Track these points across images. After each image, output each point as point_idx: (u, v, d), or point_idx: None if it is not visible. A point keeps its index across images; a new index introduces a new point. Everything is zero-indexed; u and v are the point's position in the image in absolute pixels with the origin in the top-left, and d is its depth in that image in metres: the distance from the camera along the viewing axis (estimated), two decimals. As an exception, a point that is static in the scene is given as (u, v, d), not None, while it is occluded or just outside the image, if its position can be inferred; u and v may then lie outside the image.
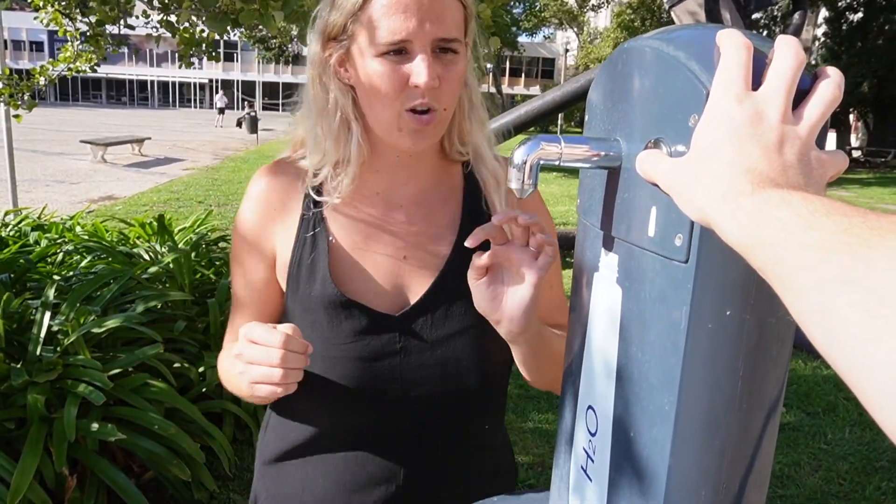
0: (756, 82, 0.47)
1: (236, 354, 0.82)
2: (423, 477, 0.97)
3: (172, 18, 2.72)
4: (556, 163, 0.57)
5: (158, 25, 3.71)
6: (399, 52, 0.81)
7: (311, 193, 0.94)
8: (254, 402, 0.89)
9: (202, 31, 3.37)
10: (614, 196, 0.58)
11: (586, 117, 0.67)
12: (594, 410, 0.62)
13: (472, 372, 0.94)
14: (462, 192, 0.97)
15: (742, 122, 0.45)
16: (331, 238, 0.93)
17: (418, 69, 0.81)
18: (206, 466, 2.50)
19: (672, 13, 6.29)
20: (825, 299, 0.36)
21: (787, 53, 0.46)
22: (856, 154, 23.13)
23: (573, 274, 0.70)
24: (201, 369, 2.84)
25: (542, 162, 0.57)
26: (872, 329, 0.32)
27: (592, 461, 0.62)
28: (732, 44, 0.47)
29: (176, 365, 2.76)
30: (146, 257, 3.71)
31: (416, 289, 0.93)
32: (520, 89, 50.70)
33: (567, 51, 39.65)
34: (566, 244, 7.51)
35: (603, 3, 33.92)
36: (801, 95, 0.47)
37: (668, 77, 0.50)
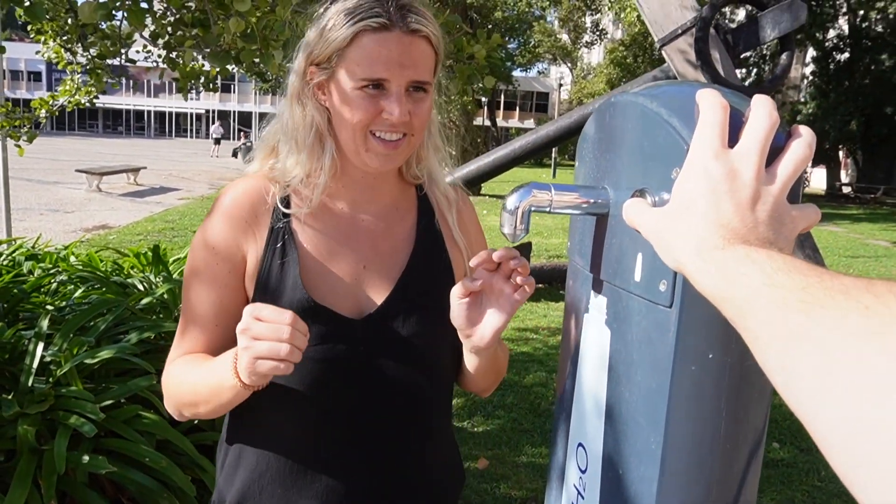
0: (733, 139, 0.50)
1: (241, 330, 0.82)
2: (380, 469, 1.03)
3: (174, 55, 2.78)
4: (547, 209, 0.60)
5: (159, 60, 3.77)
6: (377, 86, 0.91)
7: (280, 206, 1.00)
8: (242, 386, 0.85)
9: (202, 65, 3.43)
10: (602, 241, 0.61)
11: (576, 164, 0.70)
12: (584, 448, 0.64)
13: (428, 371, 1.03)
14: (416, 211, 1.07)
15: (718, 178, 0.48)
16: (300, 247, 1.00)
17: (392, 105, 0.91)
18: (196, 500, 2.48)
19: (663, 52, 6.42)
20: (782, 354, 0.39)
21: (761, 114, 0.49)
22: (846, 190, 23.41)
23: (564, 312, 0.72)
24: (193, 401, 2.83)
25: (533, 208, 0.59)
26: (822, 384, 0.35)
27: (583, 498, 0.64)
28: (710, 104, 0.50)
29: (168, 397, 2.75)
30: (140, 287, 3.71)
31: (377, 296, 1.01)
32: (514, 122, 51.25)
33: (561, 85, 40.22)
34: (559, 277, 7.54)
35: (596, 40, 34.52)
36: (775, 152, 0.50)
37: (651, 131, 0.53)
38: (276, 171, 1.02)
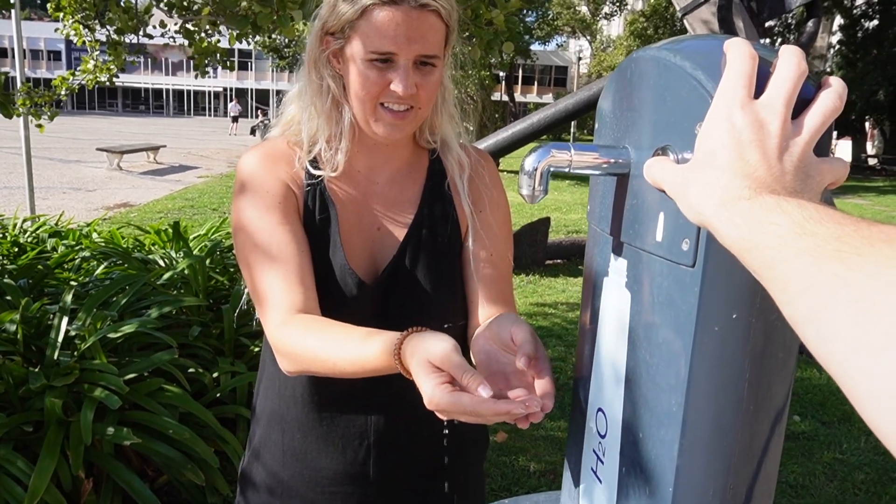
0: (760, 90, 0.48)
1: (429, 399, 0.68)
2: (392, 437, 1.07)
3: (190, 26, 2.77)
4: (566, 169, 0.58)
5: (176, 37, 3.77)
6: (385, 60, 0.93)
7: (308, 167, 1.02)
8: (405, 373, 0.77)
9: (217, 40, 3.42)
10: (623, 202, 0.60)
11: (596, 125, 0.68)
12: (604, 413, 0.63)
13: (437, 328, 1.00)
14: (426, 174, 1.09)
15: (743, 128, 0.46)
16: (338, 206, 1.02)
17: (399, 79, 0.92)
18: (219, 471, 2.52)
19: (685, 21, 6.29)
20: (815, 303, 0.37)
21: (789, 64, 0.48)
22: (872, 162, 22.94)
23: (583, 279, 0.71)
24: (215, 374, 2.86)
25: (552, 168, 0.58)
26: (859, 334, 0.33)
27: (602, 463, 0.63)
28: (738, 53, 0.48)
29: (190, 370, 2.78)
30: (161, 263, 3.75)
31: (387, 254, 1.04)
32: (532, 97, 50.73)
33: (580, 59, 39.68)
34: (578, 252, 7.50)
35: (616, 11, 33.92)
36: (803, 104, 0.48)
37: (674, 86, 0.52)
38: (298, 137, 1.04)
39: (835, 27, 23.98)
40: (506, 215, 1.11)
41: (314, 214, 1.01)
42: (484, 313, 1.03)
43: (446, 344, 0.69)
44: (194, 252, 3.90)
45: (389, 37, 0.91)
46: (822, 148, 0.48)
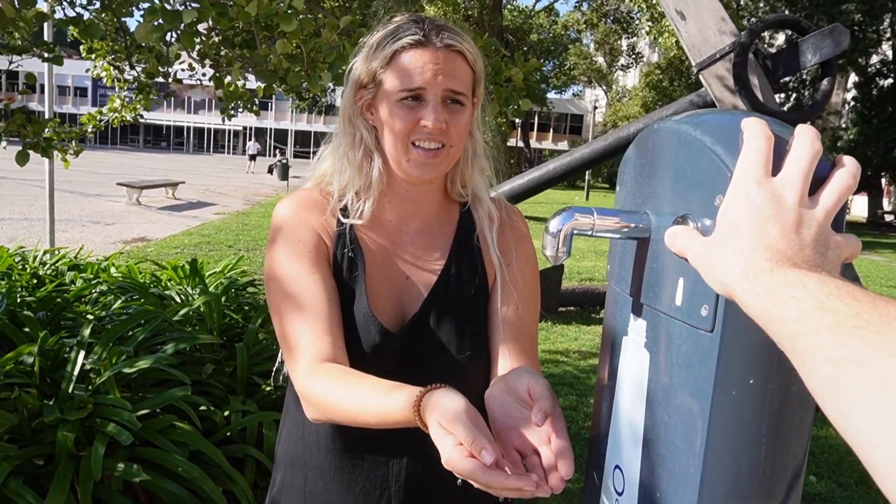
0: (776, 168, 0.51)
1: (446, 460, 0.69)
2: (413, 489, 1.06)
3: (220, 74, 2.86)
4: (589, 233, 0.61)
5: (203, 78, 3.87)
6: (415, 98, 0.97)
7: (339, 215, 1.06)
8: (423, 427, 0.76)
9: (243, 85, 3.51)
10: (643, 265, 0.62)
11: (617, 188, 0.71)
12: (621, 470, 0.64)
13: (458, 382, 1.01)
14: (456, 226, 1.11)
15: (761, 203, 0.48)
16: (366, 254, 1.05)
17: (428, 113, 0.96)
18: (226, 511, 2.51)
19: (701, 76, 6.38)
20: (835, 377, 0.39)
21: (805, 143, 0.50)
22: (888, 218, 22.84)
23: (602, 337, 0.73)
24: (227, 413, 2.87)
25: (575, 232, 0.61)
26: (876, 409, 0.35)
27: (618, 520, 0.64)
28: (756, 133, 0.51)
29: (202, 408, 2.79)
30: (177, 299, 3.79)
31: (414, 304, 1.06)
32: (548, 144, 51.24)
33: (595, 108, 40.18)
34: (591, 300, 7.48)
35: (631, 63, 34.46)
36: (818, 181, 0.50)
37: (695, 158, 0.54)
38: (330, 186, 1.08)
39: (850, 84, 24.18)
40: (534, 270, 1.13)
41: (343, 263, 1.04)
42: (506, 367, 1.03)
43: (458, 405, 0.69)
44: (210, 289, 3.94)
45: (417, 74, 0.96)
46: (837, 224, 0.50)
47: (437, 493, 1.08)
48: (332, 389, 0.90)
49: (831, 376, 0.39)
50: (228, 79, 2.77)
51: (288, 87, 2.12)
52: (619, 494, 0.64)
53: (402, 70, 0.97)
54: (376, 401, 0.84)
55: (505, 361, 1.04)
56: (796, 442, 0.54)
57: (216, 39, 2.50)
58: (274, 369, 1.12)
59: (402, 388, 0.81)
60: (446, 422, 0.68)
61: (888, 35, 21.45)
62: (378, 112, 1.01)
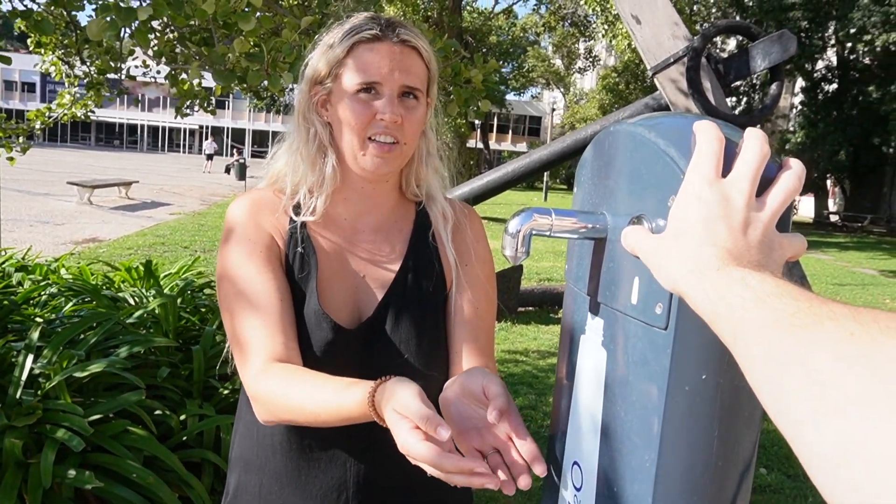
0: (726, 170, 0.52)
1: (402, 444, 0.69)
2: (371, 491, 1.06)
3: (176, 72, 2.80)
4: (548, 234, 0.62)
5: (157, 76, 3.79)
6: (370, 90, 0.98)
7: (291, 213, 1.05)
8: (380, 421, 0.77)
9: (199, 83, 3.45)
10: (600, 265, 0.63)
11: (574, 189, 0.72)
12: (580, 466, 0.66)
13: (417, 379, 1.01)
14: (412, 226, 1.12)
15: (711, 203, 0.50)
16: (318, 252, 1.05)
17: (384, 107, 0.97)
18: (182, 517, 2.46)
19: (655, 80, 6.51)
20: (772, 374, 0.41)
21: (753, 146, 0.52)
22: (833, 218, 23.66)
23: (560, 335, 0.74)
24: (182, 417, 2.81)
25: (534, 232, 0.62)
26: (808, 406, 0.37)
27: (577, 515, 0.65)
28: (707, 136, 0.52)
29: (157, 412, 2.73)
30: (131, 301, 3.70)
31: (370, 303, 1.06)
32: (507, 145, 51.57)
33: (553, 110, 40.61)
34: (549, 300, 7.56)
35: (589, 66, 34.92)
36: (766, 183, 0.52)
37: (649, 160, 0.56)
38: (283, 184, 1.08)
39: (797, 89, 24.95)
40: (490, 270, 1.13)
41: (294, 262, 1.03)
42: (464, 367, 1.04)
43: (410, 391, 0.70)
44: (165, 291, 3.86)
45: (374, 68, 0.97)
46: (783, 224, 0.52)
47: (396, 493, 1.08)
48: (285, 389, 0.89)
49: (769, 373, 0.41)
50: (185, 76, 2.72)
51: (247, 86, 2.09)
52: (578, 490, 0.65)
53: (359, 64, 0.98)
54: (331, 398, 0.84)
55: (463, 361, 1.05)
56: (746, 435, 0.56)
57: (171, 36, 2.45)
58: (230, 370, 1.10)
59: (355, 384, 0.82)
60: (400, 406, 0.69)
61: (833, 42, 22.21)
62: (334, 107, 1.02)
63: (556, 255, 11.39)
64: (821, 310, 0.40)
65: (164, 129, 54.21)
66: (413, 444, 0.66)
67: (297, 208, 1.06)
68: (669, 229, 0.51)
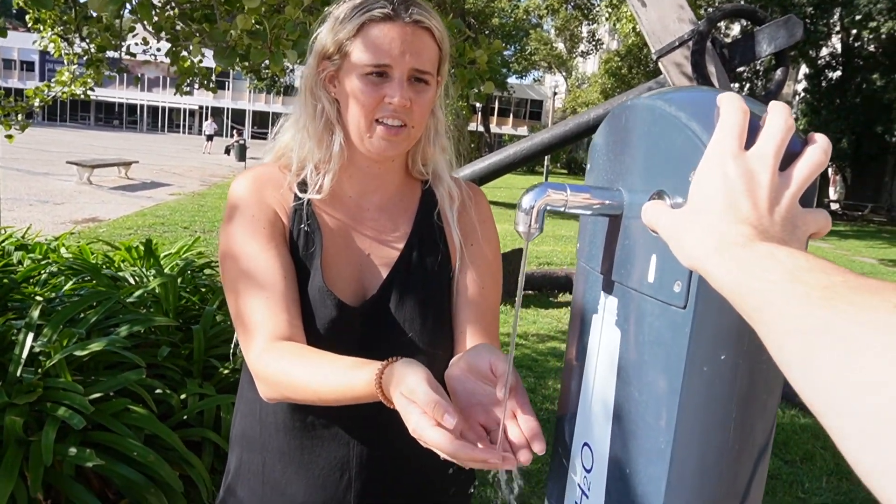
0: (750, 143, 0.51)
1: (413, 429, 0.68)
2: (374, 469, 1.05)
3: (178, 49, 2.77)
4: (562, 209, 0.60)
5: (157, 53, 3.75)
6: (380, 74, 0.96)
7: (296, 189, 1.03)
8: (387, 402, 0.76)
9: (200, 61, 3.41)
10: (615, 242, 0.62)
11: (588, 166, 0.71)
12: (590, 447, 0.64)
13: (422, 358, 1.00)
14: (418, 205, 1.10)
15: (735, 178, 0.48)
16: (323, 229, 1.03)
17: (394, 90, 0.95)
18: (183, 496, 2.47)
19: (660, 63, 6.45)
20: (804, 348, 0.39)
21: (778, 119, 0.50)
22: (834, 207, 23.63)
23: (571, 315, 0.73)
24: (183, 396, 2.81)
25: (548, 207, 0.60)
26: (843, 377, 0.35)
27: (587, 497, 0.64)
28: (731, 107, 0.51)
29: (157, 391, 2.73)
30: (132, 281, 3.69)
31: (375, 281, 1.05)
32: (507, 129, 51.35)
33: (555, 94, 40.40)
34: (549, 284, 7.56)
35: (591, 50, 34.67)
36: (790, 158, 0.51)
37: (669, 134, 0.54)
38: (289, 160, 1.06)
39: (800, 76, 24.80)
40: (496, 250, 1.12)
41: (299, 239, 1.02)
42: (469, 345, 1.03)
43: (417, 375, 0.69)
44: (165, 271, 3.85)
45: (384, 50, 0.94)
46: (807, 200, 0.51)
47: (399, 472, 1.07)
48: (290, 367, 0.88)
49: (798, 346, 0.39)
50: (185, 54, 2.69)
51: (248, 65, 2.05)
52: (588, 471, 0.64)
53: (370, 44, 0.95)
54: (337, 377, 0.83)
55: (467, 340, 1.04)
56: (763, 420, 0.55)
57: (172, 13, 2.42)
58: (231, 352, 1.09)
59: (363, 364, 0.80)
60: (408, 391, 0.68)
61: (837, 28, 22.04)
62: (342, 84, 1.00)
63: (556, 240, 11.37)
64: (857, 283, 0.39)
65: (163, 109, 53.96)
66: (426, 430, 0.65)
67: (302, 185, 1.04)
68: (690, 204, 0.50)
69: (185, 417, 2.76)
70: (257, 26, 1.71)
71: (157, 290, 3.36)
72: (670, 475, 0.53)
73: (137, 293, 3.29)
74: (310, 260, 1.02)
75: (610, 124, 0.64)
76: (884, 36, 20.16)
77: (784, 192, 0.49)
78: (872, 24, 20.04)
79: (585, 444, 0.65)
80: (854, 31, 21.85)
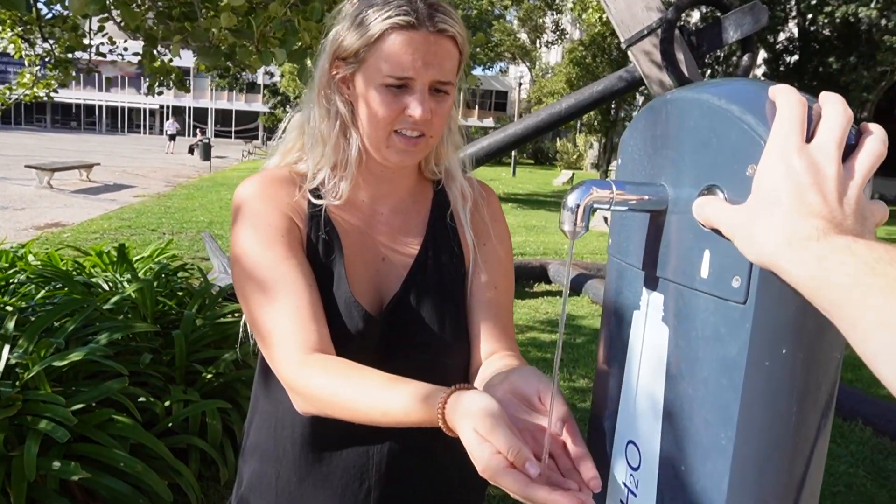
0: (808, 136, 0.50)
1: (483, 469, 0.64)
2: (394, 476, 1.03)
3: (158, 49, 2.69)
4: (608, 206, 0.59)
5: (123, 53, 3.66)
6: (401, 86, 0.91)
7: (310, 196, 1.00)
8: (447, 431, 0.72)
9: (170, 60, 3.34)
10: (658, 238, 0.61)
11: (618, 160, 0.70)
12: (636, 446, 0.64)
13: (439, 362, 1.01)
14: (431, 205, 1.08)
15: (801, 171, 0.48)
16: (342, 237, 1.00)
17: (415, 104, 0.91)
18: (173, 505, 2.42)
19: (629, 52, 6.50)
20: (889, 341, 0.39)
21: (837, 110, 0.50)
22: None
23: (604, 311, 0.72)
24: (167, 403, 2.76)
25: (594, 206, 0.59)
26: None
27: (635, 495, 0.64)
28: (789, 100, 0.50)
29: (141, 399, 2.67)
30: (105, 287, 3.61)
31: (392, 286, 1.02)
32: (473, 121, 51.33)
33: (521, 84, 40.45)
34: (524, 274, 7.59)
35: (556, 40, 34.79)
36: (848, 148, 0.50)
37: (721, 128, 0.53)
38: (302, 164, 1.03)
39: (759, 60, 25.24)
40: (508, 249, 1.10)
41: (318, 246, 0.99)
42: (487, 347, 1.01)
43: (494, 409, 0.64)
44: (140, 275, 3.76)
45: (407, 61, 0.90)
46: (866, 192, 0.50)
47: (418, 479, 1.05)
48: (335, 385, 0.84)
49: (885, 341, 0.39)
50: (160, 51, 2.61)
51: (234, 64, 2.00)
52: (635, 469, 0.64)
53: (391, 54, 0.90)
54: (382, 396, 0.79)
55: (485, 342, 1.02)
56: (822, 415, 0.55)
57: (144, 9, 2.34)
58: (252, 350, 1.05)
59: (418, 387, 0.77)
60: (484, 429, 0.63)
61: (794, 13, 22.47)
62: (356, 89, 0.95)
63: (528, 230, 11.42)
64: None
65: (123, 109, 52.78)
66: (498, 471, 0.61)
67: (315, 190, 1.01)
68: (757, 199, 0.49)
69: (170, 425, 2.71)
70: (241, 22, 1.67)
71: (134, 296, 3.29)
72: (733, 471, 0.53)
73: (114, 299, 3.21)
74: (331, 268, 0.99)
75: (647, 118, 0.63)
76: (838, 20, 20.59)
77: (850, 184, 0.48)
78: (827, 9, 20.45)
79: (631, 441, 0.65)
80: (810, 16, 22.29)
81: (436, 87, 0.93)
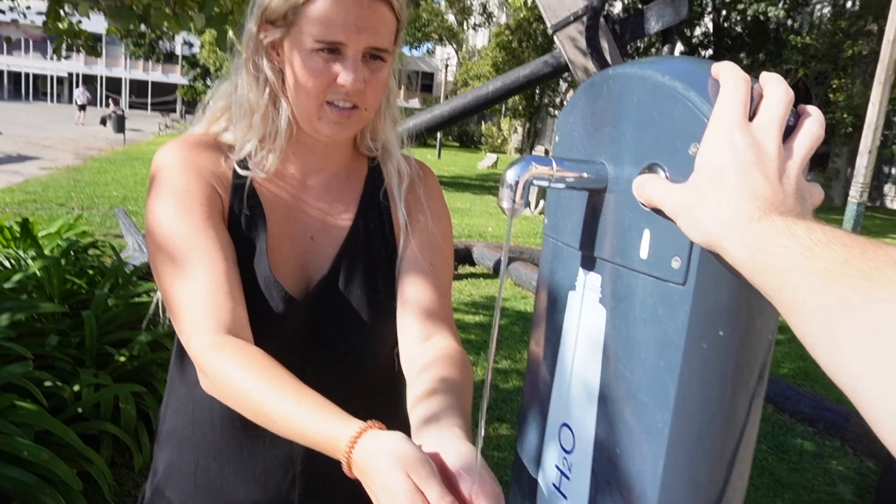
0: (750, 115, 0.50)
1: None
2: (321, 465, 0.97)
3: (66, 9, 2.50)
4: (547, 183, 0.57)
5: (25, 12, 3.43)
6: (332, 50, 0.86)
7: (236, 166, 0.94)
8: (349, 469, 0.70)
9: (79, 22, 3.13)
10: (596, 217, 0.60)
11: (556, 139, 0.68)
12: (570, 428, 0.63)
13: (368, 348, 0.99)
14: (364, 182, 1.03)
15: (744, 149, 0.47)
16: (267, 212, 0.94)
17: (347, 71, 0.86)
18: (83, 494, 2.30)
19: (555, 38, 6.56)
20: (827, 326, 0.39)
21: (779, 89, 0.50)
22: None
23: (538, 293, 0.71)
24: (76, 388, 2.61)
25: (533, 181, 0.57)
26: (869, 355, 0.35)
27: (567, 478, 0.63)
28: (734, 77, 0.49)
29: (47, 383, 2.52)
30: (7, 265, 3.38)
31: (321, 268, 0.97)
32: (399, 101, 50.91)
33: (447, 66, 40.36)
34: (456, 257, 7.63)
35: (483, 23, 34.85)
36: (787, 129, 0.50)
37: (664, 105, 0.52)
38: (228, 134, 0.96)
39: (676, 53, 26.11)
40: (447, 229, 1.06)
41: (240, 220, 0.93)
42: (422, 329, 0.94)
43: (423, 457, 0.60)
44: (46, 252, 3.54)
45: (338, 25, 0.84)
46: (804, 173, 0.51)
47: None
48: (246, 379, 0.78)
49: (822, 324, 0.39)
50: (66, 11, 2.44)
51: (149, 29, 1.88)
52: (568, 452, 0.63)
53: (321, 16, 0.84)
54: (299, 415, 0.73)
55: (421, 324, 0.97)
56: (756, 388, 0.55)
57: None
58: (146, 322, 0.98)
59: (326, 406, 0.71)
60: (419, 477, 0.59)
61: (709, 9, 23.30)
62: (286, 56, 0.89)
63: (453, 212, 11.44)
64: (876, 255, 0.38)
65: (27, 75, 49.56)
66: None
67: (241, 162, 0.95)
68: (699, 177, 0.48)
69: (79, 410, 2.57)
70: (156, -15, 1.56)
71: (38, 274, 3.09)
72: (668, 453, 0.53)
73: (16, 278, 3.01)
74: (252, 244, 0.93)
75: (587, 94, 0.61)
76: (749, 18, 21.51)
77: (790, 164, 0.48)
78: (740, 7, 21.31)
79: (564, 424, 0.64)
80: (724, 13, 23.17)
81: (371, 54, 0.88)
